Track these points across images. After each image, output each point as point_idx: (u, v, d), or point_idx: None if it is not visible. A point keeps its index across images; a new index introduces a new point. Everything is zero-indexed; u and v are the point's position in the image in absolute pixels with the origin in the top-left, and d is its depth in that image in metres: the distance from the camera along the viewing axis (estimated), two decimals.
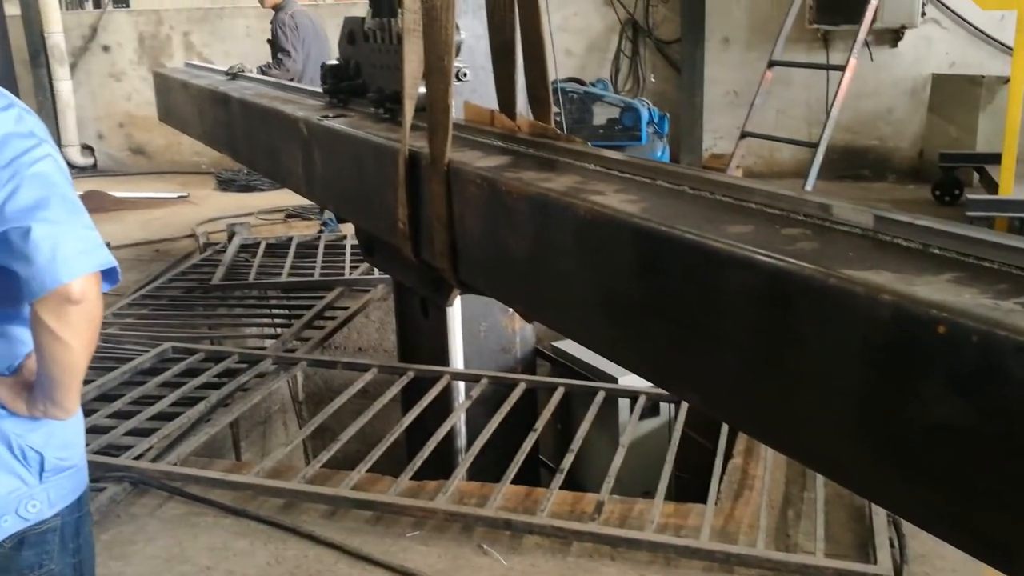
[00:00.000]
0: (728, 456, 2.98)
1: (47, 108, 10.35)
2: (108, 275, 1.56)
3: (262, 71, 5.97)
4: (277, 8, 6.78)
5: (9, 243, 1.44)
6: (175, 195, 8.91)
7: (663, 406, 3.75)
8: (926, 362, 1.08)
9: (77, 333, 1.49)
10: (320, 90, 3.46)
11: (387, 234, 2.53)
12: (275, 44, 6.62)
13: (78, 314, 1.47)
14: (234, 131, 4.09)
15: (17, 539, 1.63)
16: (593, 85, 8.72)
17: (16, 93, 6.32)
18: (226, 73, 4.68)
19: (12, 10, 10.17)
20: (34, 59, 10.25)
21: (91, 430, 3.29)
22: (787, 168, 8.55)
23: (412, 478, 2.92)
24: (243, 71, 4.76)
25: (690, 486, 3.41)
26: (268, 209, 7.77)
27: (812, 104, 8.52)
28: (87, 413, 3.39)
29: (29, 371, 1.62)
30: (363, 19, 3.25)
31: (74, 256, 1.45)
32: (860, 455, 1.21)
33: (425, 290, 2.87)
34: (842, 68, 6.25)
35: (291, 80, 5.63)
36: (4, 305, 1.60)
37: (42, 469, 1.63)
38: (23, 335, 1.63)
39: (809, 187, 5.92)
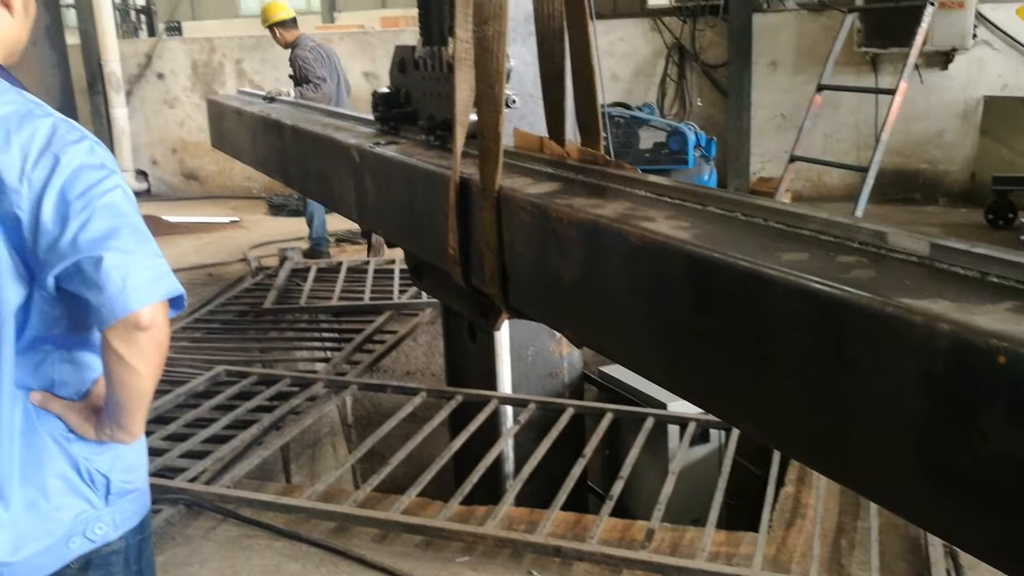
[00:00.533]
0: (780, 484, 2.94)
1: (103, 134, 10.62)
2: (174, 301, 1.59)
3: (303, 96, 6.30)
4: (294, 45, 7.23)
5: (81, 272, 1.48)
6: (227, 220, 9.08)
7: (713, 432, 3.71)
8: (986, 392, 1.07)
9: (145, 359, 1.52)
10: (371, 117, 3.50)
11: (437, 259, 2.55)
12: (303, 75, 7.00)
13: (147, 341, 1.51)
14: (286, 157, 4.15)
15: (83, 561, 1.66)
16: (639, 109, 8.73)
17: (75, 120, 6.52)
18: (263, 97, 4.88)
19: (71, 39, 10.49)
20: (91, 87, 10.55)
21: (147, 452, 3.35)
22: (836, 192, 8.48)
23: (461, 503, 2.93)
24: (279, 95, 5.03)
25: (741, 514, 3.37)
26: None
27: (861, 127, 8.45)
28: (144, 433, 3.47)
29: (97, 396, 1.65)
30: (413, 48, 3.30)
31: (143, 284, 1.49)
32: (917, 485, 1.19)
33: (473, 315, 2.89)
34: (892, 92, 6.19)
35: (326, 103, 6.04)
36: (74, 332, 1.64)
37: (108, 492, 1.66)
38: (92, 361, 1.67)
39: (859, 211, 5.86)
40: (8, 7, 1.66)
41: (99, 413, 1.62)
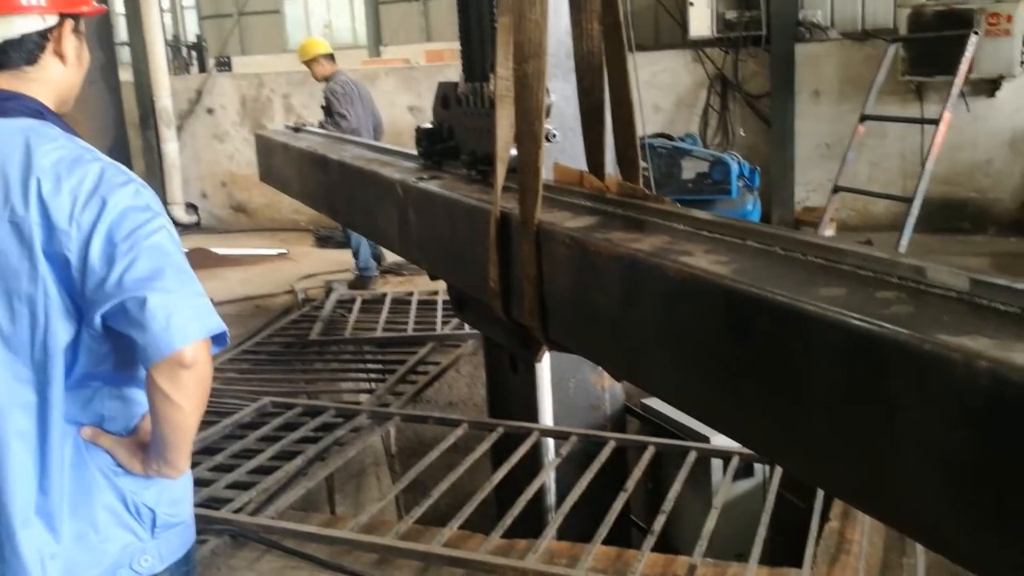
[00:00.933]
0: (824, 518, 2.91)
1: (154, 168, 10.89)
2: (217, 338, 1.64)
3: (322, 126, 6.70)
4: (328, 79, 7.58)
5: (126, 312, 1.53)
6: (275, 252, 9.22)
7: (757, 467, 3.68)
8: None
9: (189, 396, 1.57)
10: (415, 152, 3.56)
11: (478, 292, 2.58)
12: (330, 108, 7.36)
13: (190, 378, 1.56)
14: (332, 191, 4.23)
15: None
16: (682, 140, 8.73)
17: (128, 155, 6.70)
18: (290, 127, 5.14)
19: (124, 76, 10.80)
20: (143, 122, 10.84)
21: (194, 482, 3.40)
22: (882, 221, 8.38)
23: (502, 535, 2.93)
24: (305, 126, 5.35)
25: (785, 549, 3.33)
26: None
27: (907, 156, 8.36)
28: (191, 466, 3.53)
29: (144, 432, 1.70)
30: (456, 84, 3.36)
31: (187, 323, 1.54)
32: (959, 524, 1.18)
33: (514, 346, 2.91)
34: (936, 122, 6.13)
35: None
36: (122, 369, 1.69)
37: (154, 525, 1.71)
38: (140, 397, 1.72)
39: (905, 241, 5.79)
40: (62, 57, 1.75)
41: (146, 448, 1.67)
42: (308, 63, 7.68)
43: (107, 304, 1.54)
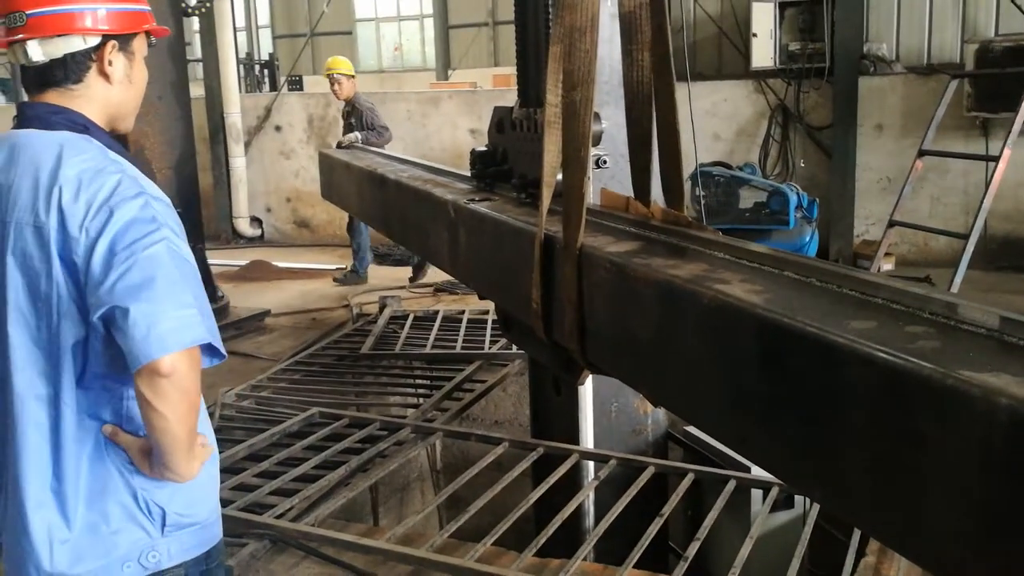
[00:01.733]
0: (861, 553, 2.88)
1: (222, 182, 11.18)
2: (215, 350, 1.73)
3: (367, 140, 7.38)
4: (351, 98, 8.27)
5: (114, 318, 1.63)
6: (334, 267, 9.38)
7: (798, 498, 3.65)
8: None
9: (169, 404, 1.64)
10: (469, 174, 3.63)
11: (522, 313, 2.62)
12: (370, 122, 7.98)
13: (169, 387, 1.62)
14: (389, 210, 4.32)
15: None
16: (740, 169, 8.71)
17: (195, 169, 6.88)
18: (339, 146, 5.43)
19: (196, 91, 11.12)
20: (213, 137, 11.15)
21: (239, 487, 3.51)
22: (943, 257, 8.24)
23: (538, 554, 2.95)
24: (352, 143, 6.10)
25: None
26: (418, 283, 8.08)
27: (970, 192, 8.23)
28: (237, 471, 3.64)
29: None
30: (511, 109, 3.43)
31: (166, 334, 1.61)
32: (983, 563, 1.18)
33: (557, 368, 2.94)
34: (995, 159, 6.03)
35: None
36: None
37: (164, 524, 1.78)
38: None
39: (958, 278, 5.69)
40: (107, 76, 1.84)
41: (151, 452, 1.75)
42: (336, 79, 8.26)
43: (101, 310, 1.64)
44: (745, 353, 1.61)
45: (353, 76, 8.41)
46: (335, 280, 8.71)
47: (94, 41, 1.80)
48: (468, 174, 3.70)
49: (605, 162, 2.98)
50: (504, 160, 3.47)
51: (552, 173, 2.45)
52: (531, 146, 3.25)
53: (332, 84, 8.32)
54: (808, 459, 1.50)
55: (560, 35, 2.29)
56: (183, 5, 6.92)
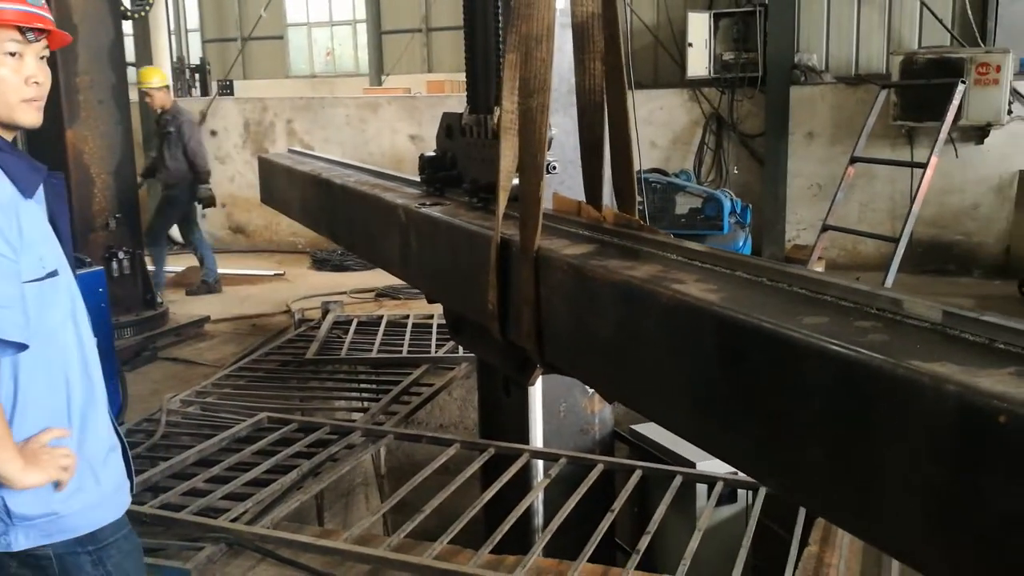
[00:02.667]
0: (804, 543, 2.99)
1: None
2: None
3: (193, 159, 7.97)
4: (167, 109, 8.24)
5: None
6: (272, 273, 9.29)
7: (741, 492, 3.76)
8: (989, 451, 1.14)
9: None
10: (417, 179, 3.65)
11: (477, 315, 2.66)
12: (182, 137, 8.05)
13: None
14: (334, 215, 4.31)
15: (15, 560, 1.94)
16: (676, 176, 8.89)
17: (135, 173, 6.82)
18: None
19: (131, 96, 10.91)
20: (147, 142, 10.93)
21: (191, 492, 3.49)
22: (871, 261, 8.53)
23: (490, 553, 3.00)
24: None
25: (765, 574, 3.41)
26: (360, 288, 8.06)
27: (896, 198, 8.53)
28: (187, 476, 3.61)
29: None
30: (460, 115, 3.47)
31: None
32: (935, 542, 1.25)
33: (509, 369, 2.99)
34: (924, 166, 6.29)
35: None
36: None
37: (8, 512, 1.91)
38: None
39: (889, 281, 5.92)
40: None
41: None
42: (150, 91, 8.20)
43: None
44: (704, 349, 1.67)
45: (167, 87, 8.40)
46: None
47: None
48: (414, 178, 3.73)
49: (555, 167, 3.04)
50: (454, 165, 3.50)
51: (508, 177, 2.50)
52: (482, 151, 3.29)
53: (143, 97, 8.31)
54: (767, 450, 1.57)
55: (515, 43, 2.35)
56: (122, 8, 6.80)
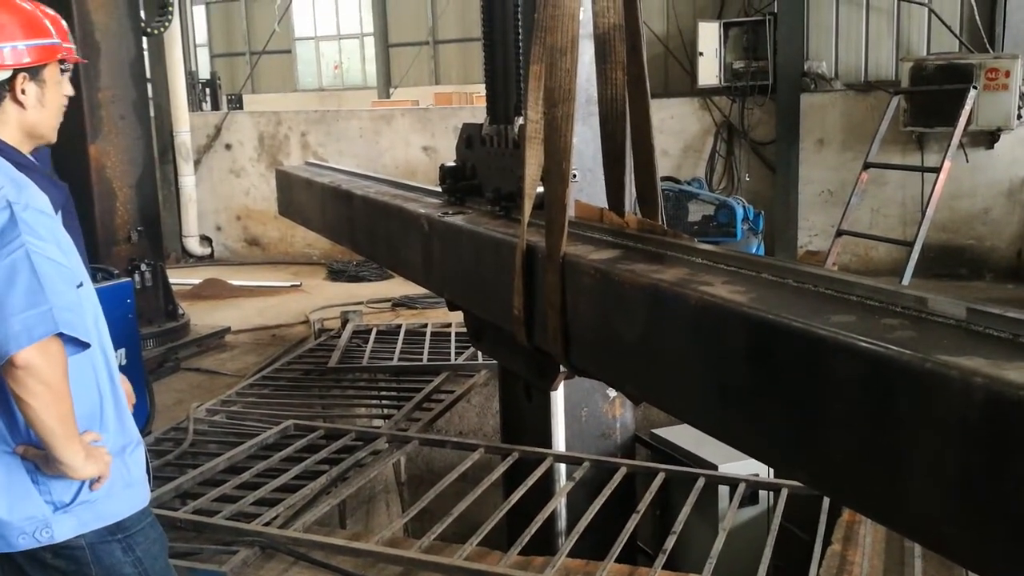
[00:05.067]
0: (827, 542, 3.03)
1: (171, 201, 11.06)
2: (74, 341, 1.90)
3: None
4: None
5: None
6: (288, 284, 9.36)
7: (762, 494, 3.80)
8: (1017, 440, 1.20)
9: (33, 395, 1.84)
10: (437, 189, 3.71)
11: (502, 320, 2.70)
12: None
13: (28, 378, 1.83)
14: (356, 225, 4.36)
15: (50, 552, 2.00)
16: (688, 183, 8.95)
17: (155, 186, 6.87)
18: None
19: None
20: (163, 156, 11.04)
21: (222, 498, 3.56)
22: (883, 266, 8.55)
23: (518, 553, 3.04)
24: None
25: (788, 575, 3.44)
26: (376, 299, 8.12)
27: (907, 203, 8.56)
28: (218, 483, 3.67)
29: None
30: (480, 125, 3.53)
31: (19, 332, 1.82)
32: (962, 529, 1.30)
33: (531, 375, 3.04)
34: (936, 170, 6.32)
35: None
36: None
37: (51, 502, 1.98)
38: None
39: (906, 283, 5.95)
40: (20, 103, 2.10)
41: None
42: None
43: None
44: (734, 349, 1.72)
45: None
46: None
47: (5, 75, 2.07)
48: (434, 188, 3.78)
49: (575, 176, 3.10)
50: (474, 175, 3.56)
51: (533, 185, 2.55)
52: (503, 161, 3.35)
53: None
54: (797, 443, 1.62)
55: (540, 55, 2.41)
56: (143, 25, 6.90)
